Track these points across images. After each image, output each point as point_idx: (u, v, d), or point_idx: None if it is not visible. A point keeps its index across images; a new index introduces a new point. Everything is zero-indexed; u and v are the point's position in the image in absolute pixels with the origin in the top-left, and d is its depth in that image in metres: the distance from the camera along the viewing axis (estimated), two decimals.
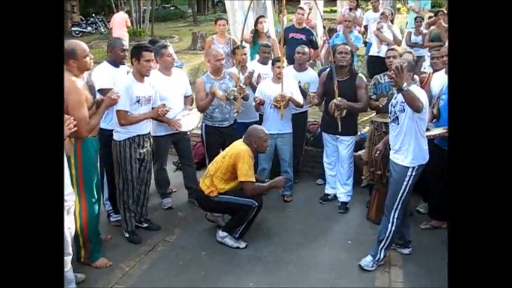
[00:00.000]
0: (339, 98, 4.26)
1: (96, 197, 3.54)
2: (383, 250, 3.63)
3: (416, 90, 3.42)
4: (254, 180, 3.86)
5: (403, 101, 3.37)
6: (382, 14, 7.66)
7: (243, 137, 4.01)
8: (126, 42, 4.07)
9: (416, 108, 3.27)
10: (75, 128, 2.84)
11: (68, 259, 3.04)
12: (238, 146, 3.90)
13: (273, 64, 4.70)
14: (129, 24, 13.74)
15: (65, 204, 2.97)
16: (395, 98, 3.53)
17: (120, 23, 12.97)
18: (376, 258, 3.65)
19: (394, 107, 3.54)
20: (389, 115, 3.63)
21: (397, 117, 3.47)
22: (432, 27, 7.55)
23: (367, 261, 3.66)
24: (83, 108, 3.17)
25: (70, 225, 3.11)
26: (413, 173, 3.47)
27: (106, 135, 3.89)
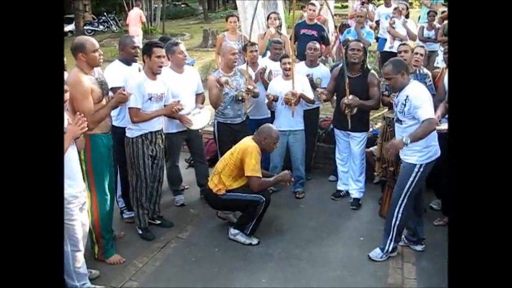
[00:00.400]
0: (350, 97, 4.23)
1: (108, 193, 3.57)
2: (391, 243, 3.65)
3: (416, 90, 3.39)
4: (261, 176, 3.88)
5: (404, 102, 3.39)
6: (395, 9, 7.57)
7: (254, 133, 4.02)
8: (139, 39, 4.08)
9: (431, 132, 3.33)
10: (87, 128, 2.87)
11: (79, 255, 3.07)
12: (247, 142, 3.92)
13: (280, 60, 4.69)
14: (144, 19, 13.72)
15: (78, 200, 3.01)
16: (397, 97, 3.52)
17: (135, 19, 13.11)
18: (385, 251, 3.66)
19: (396, 106, 3.53)
20: (394, 115, 3.60)
21: (399, 118, 3.48)
22: (445, 22, 7.46)
23: (376, 252, 3.70)
24: (86, 101, 3.20)
25: (84, 222, 3.15)
26: (421, 170, 3.46)
27: (119, 132, 3.92)
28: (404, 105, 3.39)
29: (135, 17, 13.17)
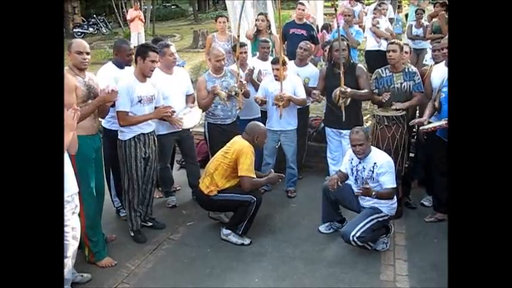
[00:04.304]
0: (344, 86, 4.25)
1: (95, 196, 3.55)
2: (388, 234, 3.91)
3: (382, 157, 3.72)
4: (254, 176, 3.89)
5: (371, 169, 3.69)
6: (375, 9, 7.62)
7: (244, 132, 4.02)
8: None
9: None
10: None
11: (65, 261, 3.01)
12: (241, 142, 3.92)
13: (272, 63, 4.69)
14: (134, 15, 13.58)
15: (70, 205, 2.98)
16: (360, 163, 3.77)
17: (130, 20, 13.40)
18: (387, 237, 3.85)
19: (360, 172, 3.78)
20: (354, 179, 3.87)
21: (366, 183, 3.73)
22: (434, 19, 7.52)
23: (379, 245, 3.81)
24: (68, 95, 3.13)
25: (75, 226, 3.12)
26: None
27: (112, 135, 3.93)
28: (372, 171, 3.67)
29: (130, 18, 13.37)
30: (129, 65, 4.12)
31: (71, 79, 3.25)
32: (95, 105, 3.43)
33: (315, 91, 4.63)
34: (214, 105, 4.57)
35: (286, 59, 4.75)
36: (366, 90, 4.42)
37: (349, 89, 4.26)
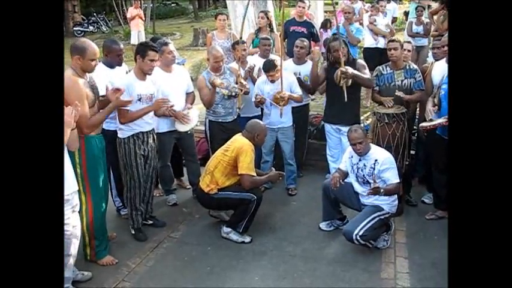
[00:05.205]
0: (345, 67, 4.20)
1: (103, 194, 3.56)
2: (389, 231, 3.90)
3: (382, 154, 3.73)
4: (254, 174, 3.89)
5: (372, 166, 3.66)
6: (373, 6, 7.60)
7: (244, 130, 4.02)
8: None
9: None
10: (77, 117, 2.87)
11: (67, 259, 3.04)
12: (241, 140, 3.91)
13: (264, 71, 4.65)
14: (134, 13, 13.59)
15: (70, 203, 2.98)
16: (361, 160, 3.75)
17: (131, 19, 13.36)
18: (388, 235, 3.84)
19: (361, 170, 3.75)
20: (355, 176, 3.84)
21: (368, 182, 3.71)
22: (435, 17, 7.51)
23: (380, 242, 3.79)
24: (83, 105, 3.16)
25: (75, 224, 3.13)
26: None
27: (110, 135, 3.92)
28: (374, 168, 3.66)
29: (130, 16, 13.36)
30: (120, 65, 4.12)
31: (81, 87, 3.22)
32: (108, 112, 3.48)
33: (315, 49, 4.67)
34: (216, 103, 4.56)
35: (278, 62, 4.67)
36: (367, 76, 4.37)
37: (350, 69, 4.19)
